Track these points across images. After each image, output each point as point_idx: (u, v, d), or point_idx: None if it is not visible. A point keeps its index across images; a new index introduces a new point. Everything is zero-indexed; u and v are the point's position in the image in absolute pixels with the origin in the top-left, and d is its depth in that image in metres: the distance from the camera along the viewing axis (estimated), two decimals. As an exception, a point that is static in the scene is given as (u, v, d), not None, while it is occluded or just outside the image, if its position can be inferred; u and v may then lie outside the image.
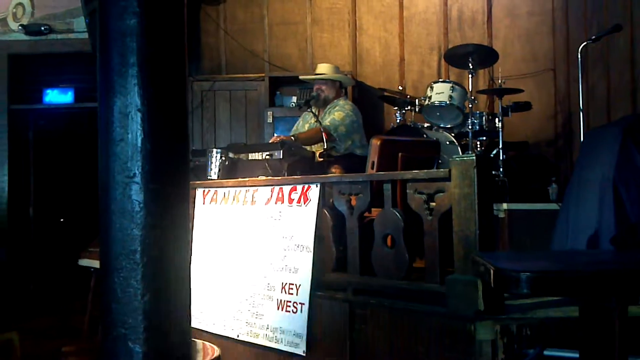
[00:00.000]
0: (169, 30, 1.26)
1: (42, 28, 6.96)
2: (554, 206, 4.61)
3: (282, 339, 3.51)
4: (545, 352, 2.63)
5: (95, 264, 5.18)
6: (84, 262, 5.27)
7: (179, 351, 1.25)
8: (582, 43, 5.10)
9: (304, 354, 3.39)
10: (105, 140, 1.26)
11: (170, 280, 1.25)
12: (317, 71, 5.59)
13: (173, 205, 1.27)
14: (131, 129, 1.23)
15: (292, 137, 5.02)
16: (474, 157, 2.89)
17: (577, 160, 3.77)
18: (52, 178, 8.22)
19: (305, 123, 5.45)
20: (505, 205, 4.52)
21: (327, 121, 5.14)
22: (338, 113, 5.21)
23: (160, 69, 1.26)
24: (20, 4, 7.00)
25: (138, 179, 1.23)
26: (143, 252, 1.22)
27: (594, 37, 5.04)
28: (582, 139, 4.98)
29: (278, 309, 3.56)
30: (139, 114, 1.23)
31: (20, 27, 6.97)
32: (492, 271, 1.58)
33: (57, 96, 7.45)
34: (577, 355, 2.33)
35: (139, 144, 1.23)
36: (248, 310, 3.76)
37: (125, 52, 1.23)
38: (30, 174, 7.80)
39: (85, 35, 6.45)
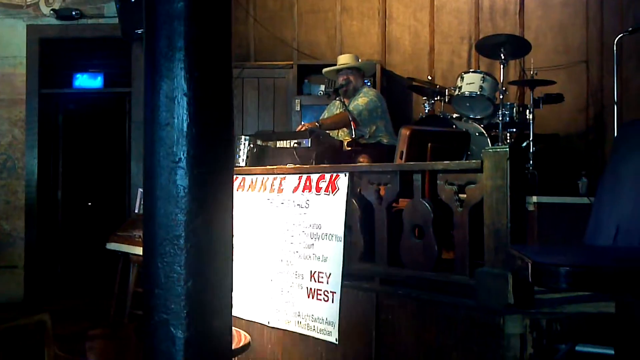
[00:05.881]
0: (216, 14, 1.24)
1: (73, 13, 6.99)
2: (583, 200, 4.56)
3: (314, 326, 3.51)
4: (577, 348, 2.59)
5: (123, 247, 5.23)
6: (112, 245, 5.32)
7: (221, 337, 1.25)
8: (617, 35, 5.01)
9: (337, 342, 3.39)
10: (151, 125, 1.26)
11: (214, 266, 1.25)
12: (340, 62, 5.55)
13: (217, 191, 1.27)
14: (177, 114, 1.22)
15: (317, 124, 5.01)
16: (507, 149, 2.86)
17: (611, 153, 3.71)
18: (80, 162, 8.31)
19: (331, 114, 5.44)
20: (534, 198, 4.49)
21: (351, 106, 5.13)
22: (362, 99, 5.20)
23: (207, 53, 1.25)
24: (52, -12, 7.05)
25: (183, 163, 1.22)
26: (187, 237, 1.22)
27: (630, 29, 4.95)
28: (615, 133, 4.91)
29: (308, 297, 3.57)
30: (185, 99, 1.22)
31: (51, 12, 7.01)
32: (529, 265, 1.56)
33: (86, 81, 7.50)
34: (611, 351, 2.29)
35: (185, 129, 1.22)
36: (278, 298, 3.77)
37: (172, 36, 1.21)
38: (59, 158, 7.88)
39: (116, 21, 6.47)
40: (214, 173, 1.24)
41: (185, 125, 1.22)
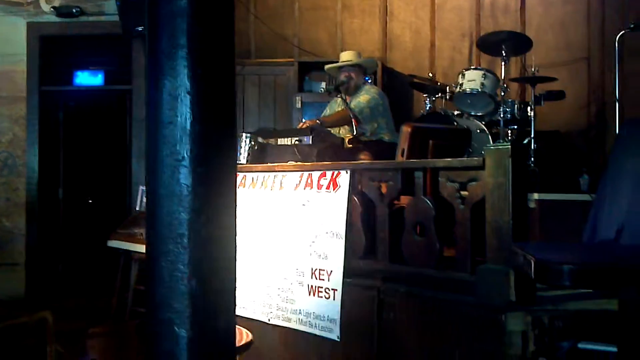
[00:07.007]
0: (218, 11, 1.24)
1: (74, 10, 6.98)
2: (585, 197, 4.55)
3: (316, 324, 3.52)
4: (580, 345, 2.59)
5: (124, 245, 5.23)
6: (113, 243, 5.33)
7: (225, 336, 1.25)
8: (618, 32, 5.00)
9: (338, 339, 3.39)
10: (153, 123, 1.25)
11: (217, 265, 1.24)
12: (342, 59, 5.54)
13: (221, 189, 1.26)
14: (180, 112, 1.22)
15: (318, 121, 5.01)
16: (509, 146, 2.85)
17: (612, 150, 3.71)
18: (81, 159, 8.31)
19: (332, 111, 5.43)
20: (536, 195, 4.48)
21: (352, 104, 5.12)
22: (364, 96, 5.20)
23: (209, 50, 1.25)
24: (52, -15, 7.04)
25: (187, 162, 1.22)
26: (190, 236, 1.21)
27: (632, 25, 4.93)
28: (616, 130, 4.90)
29: (309, 294, 3.57)
30: (188, 97, 1.22)
31: (52, 9, 7.01)
32: (532, 262, 1.56)
33: (87, 78, 7.50)
34: (613, 349, 2.29)
35: (188, 127, 1.22)
36: (278, 295, 3.77)
37: (175, 34, 1.21)
38: (59, 155, 7.88)
39: (116, 18, 6.45)
40: (217, 171, 1.24)
41: (188, 123, 1.21)
